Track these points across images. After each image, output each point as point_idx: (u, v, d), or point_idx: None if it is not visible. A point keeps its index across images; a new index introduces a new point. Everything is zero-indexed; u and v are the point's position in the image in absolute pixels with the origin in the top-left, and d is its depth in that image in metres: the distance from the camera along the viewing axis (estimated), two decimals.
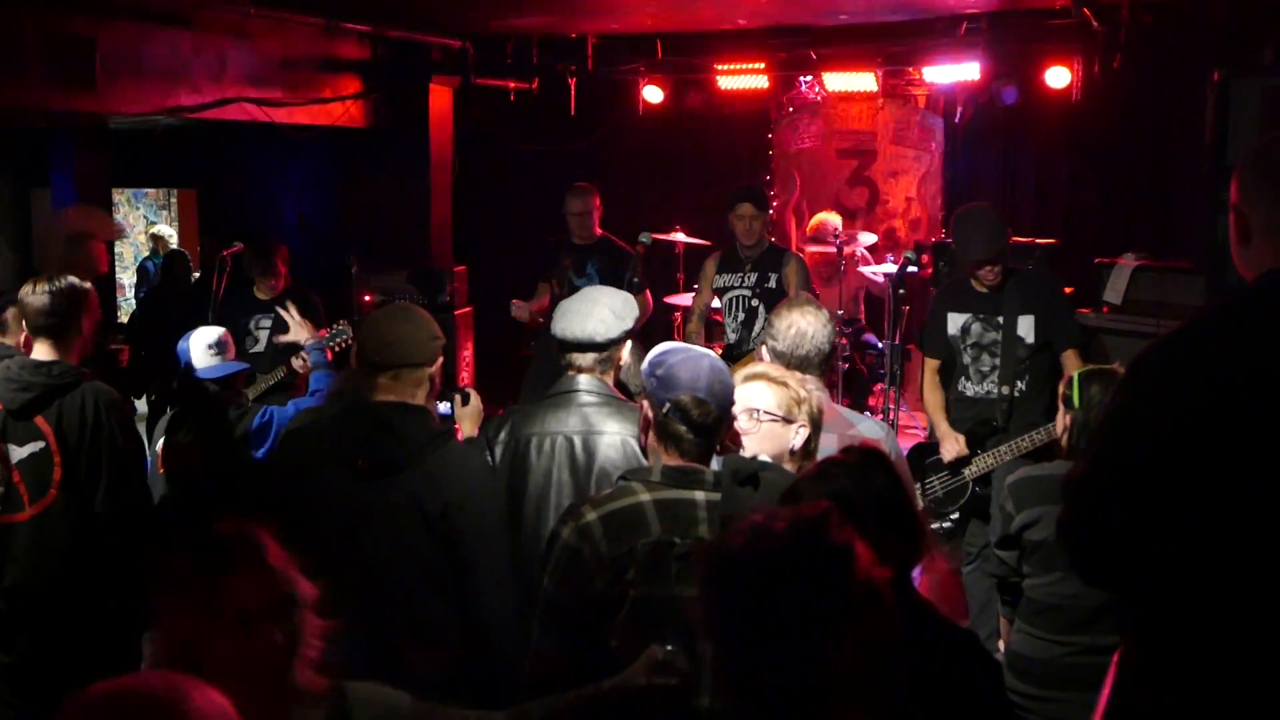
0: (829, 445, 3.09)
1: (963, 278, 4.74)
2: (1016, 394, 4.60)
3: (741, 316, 5.86)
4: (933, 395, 4.85)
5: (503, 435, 3.06)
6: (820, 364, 3.27)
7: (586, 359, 3.02)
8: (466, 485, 2.70)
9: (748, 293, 5.85)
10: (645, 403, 2.44)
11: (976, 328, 4.69)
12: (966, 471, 4.60)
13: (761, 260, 5.86)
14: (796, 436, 2.82)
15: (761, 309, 5.73)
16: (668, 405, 2.36)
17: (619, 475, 2.51)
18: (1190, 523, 1.87)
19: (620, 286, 5.72)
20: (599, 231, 6.41)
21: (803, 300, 3.47)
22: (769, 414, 2.79)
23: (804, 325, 3.26)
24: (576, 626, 2.31)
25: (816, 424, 2.88)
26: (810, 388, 2.92)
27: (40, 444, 3.50)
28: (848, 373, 7.19)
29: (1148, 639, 2.00)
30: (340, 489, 2.68)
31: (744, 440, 2.76)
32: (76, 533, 3.55)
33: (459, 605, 2.65)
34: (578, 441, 2.93)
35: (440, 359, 2.84)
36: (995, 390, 4.63)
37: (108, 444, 3.56)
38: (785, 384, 2.85)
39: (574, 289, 5.90)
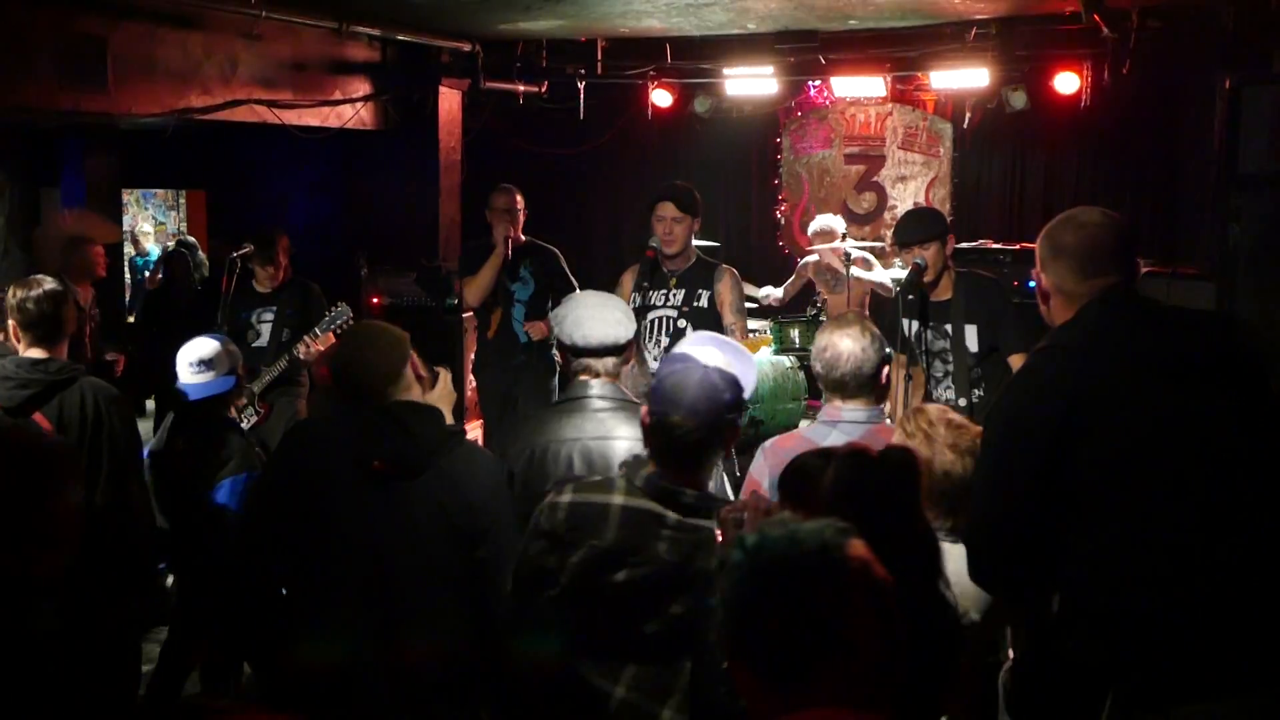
0: None
1: (917, 283, 4.68)
2: (975, 401, 4.64)
3: (665, 341, 4.88)
4: (897, 400, 4.94)
5: (518, 445, 3.05)
6: (862, 387, 3.08)
7: (606, 363, 3.03)
8: (485, 483, 2.75)
9: (673, 313, 4.90)
10: (644, 409, 2.48)
11: (928, 334, 4.73)
12: None
13: (688, 275, 4.96)
14: None
15: (689, 331, 4.81)
16: (652, 419, 2.41)
17: (620, 463, 2.57)
18: (1065, 518, 2.27)
19: (554, 286, 5.92)
20: (522, 236, 6.08)
21: (850, 318, 3.28)
22: None
23: (841, 346, 3.09)
24: (526, 586, 2.48)
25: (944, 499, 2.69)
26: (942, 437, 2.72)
27: None
28: None
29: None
30: (353, 490, 2.67)
31: None
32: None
33: (473, 603, 2.68)
34: (594, 448, 2.92)
35: (410, 353, 2.87)
36: (953, 399, 4.67)
37: (108, 439, 3.62)
38: (915, 433, 2.73)
39: (509, 294, 6.06)
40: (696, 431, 2.36)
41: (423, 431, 2.71)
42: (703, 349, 2.51)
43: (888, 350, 3.19)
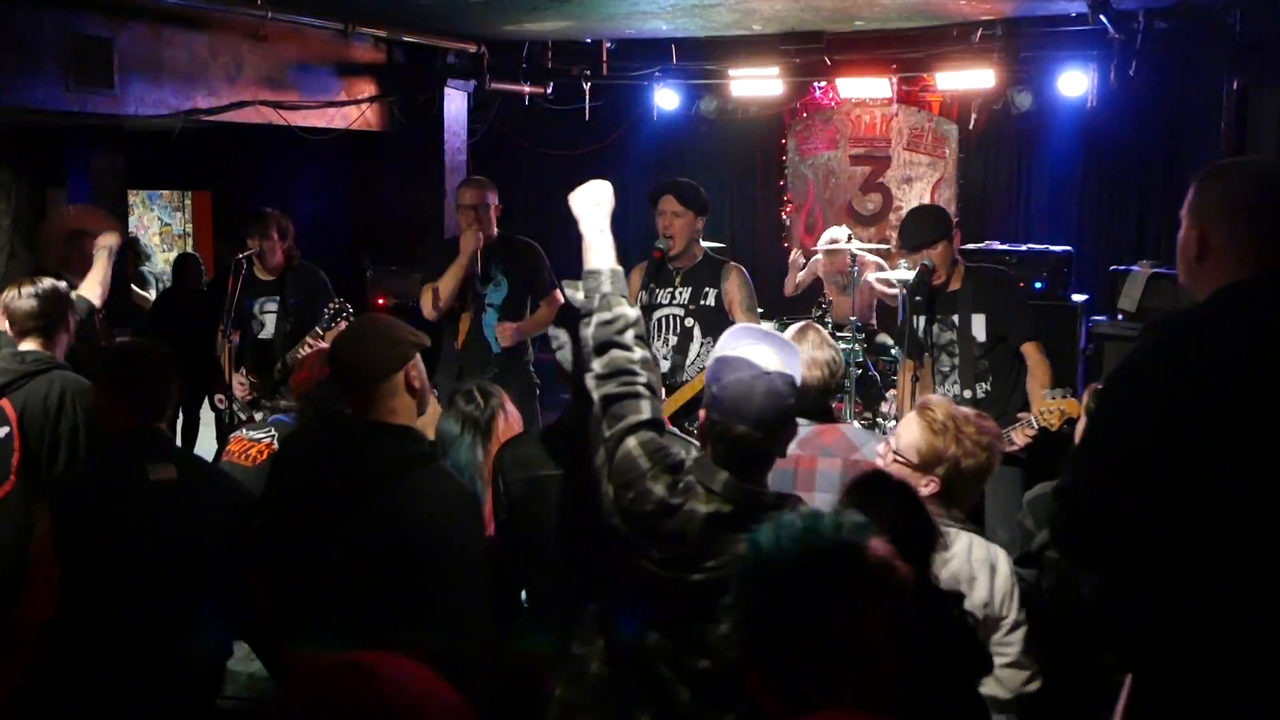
0: (831, 470, 3.07)
1: (926, 284, 4.68)
2: (980, 396, 4.59)
3: (674, 340, 4.85)
4: (905, 404, 4.87)
5: (518, 472, 2.98)
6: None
7: None
8: (438, 510, 2.58)
9: (680, 311, 4.87)
10: (703, 412, 2.40)
11: (935, 328, 4.71)
12: None
13: (695, 273, 4.90)
14: (924, 488, 2.75)
15: (697, 330, 4.83)
16: (718, 428, 2.34)
17: (691, 457, 2.44)
18: (1171, 512, 2.06)
19: (532, 286, 5.48)
20: (495, 231, 5.40)
21: (808, 338, 3.30)
22: (900, 458, 2.81)
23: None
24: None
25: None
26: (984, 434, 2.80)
27: (4, 429, 3.60)
28: (860, 379, 7.17)
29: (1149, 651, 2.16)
30: (316, 509, 2.64)
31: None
32: (31, 518, 3.58)
33: (429, 635, 2.49)
34: None
35: (409, 360, 2.70)
36: (959, 394, 4.63)
37: (68, 431, 3.69)
38: (945, 429, 2.79)
39: (479, 298, 5.40)
40: (764, 441, 2.33)
41: (378, 453, 2.61)
42: (757, 349, 2.38)
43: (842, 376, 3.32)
